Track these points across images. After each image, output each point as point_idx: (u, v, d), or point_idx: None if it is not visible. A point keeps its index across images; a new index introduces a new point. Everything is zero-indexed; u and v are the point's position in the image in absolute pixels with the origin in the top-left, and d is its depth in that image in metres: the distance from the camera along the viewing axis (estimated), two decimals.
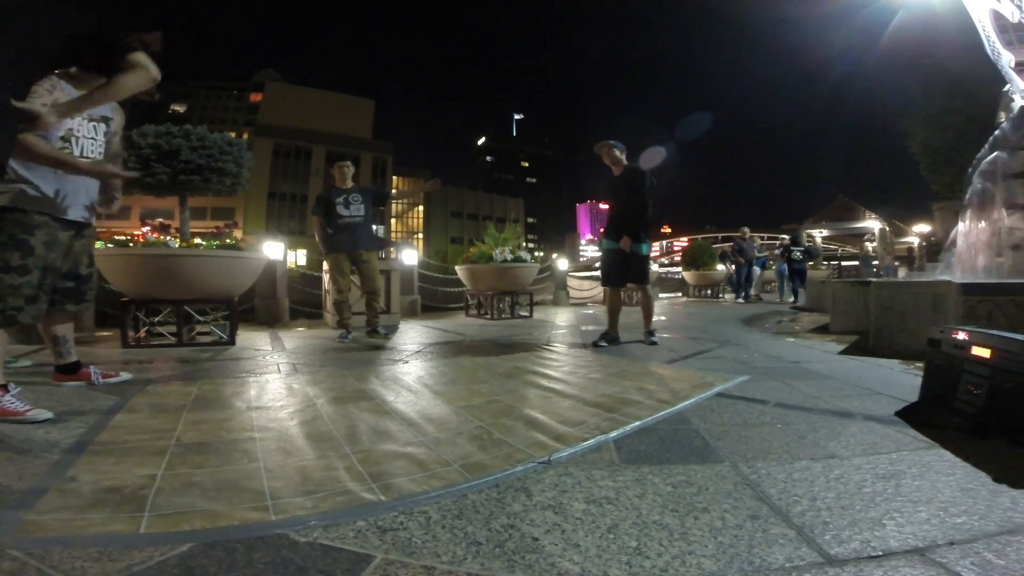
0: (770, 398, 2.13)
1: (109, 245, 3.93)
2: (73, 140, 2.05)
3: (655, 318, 4.33)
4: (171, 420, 1.76)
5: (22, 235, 1.89)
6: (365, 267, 4.35)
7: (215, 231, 4.15)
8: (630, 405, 1.99)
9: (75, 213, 2.07)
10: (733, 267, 10.80)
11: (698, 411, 1.94)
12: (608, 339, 3.83)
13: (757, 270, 10.81)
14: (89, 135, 2.11)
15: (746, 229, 10.80)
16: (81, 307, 2.21)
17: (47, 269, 1.97)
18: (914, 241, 26.76)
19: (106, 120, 2.19)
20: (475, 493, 1.21)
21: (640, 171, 3.84)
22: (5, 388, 1.79)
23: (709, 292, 11.65)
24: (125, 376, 2.39)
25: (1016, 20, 5.75)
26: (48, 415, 1.75)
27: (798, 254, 9.97)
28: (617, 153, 3.91)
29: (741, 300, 9.86)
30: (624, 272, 3.93)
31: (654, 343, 3.75)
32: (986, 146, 5.85)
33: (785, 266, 10.78)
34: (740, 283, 10.15)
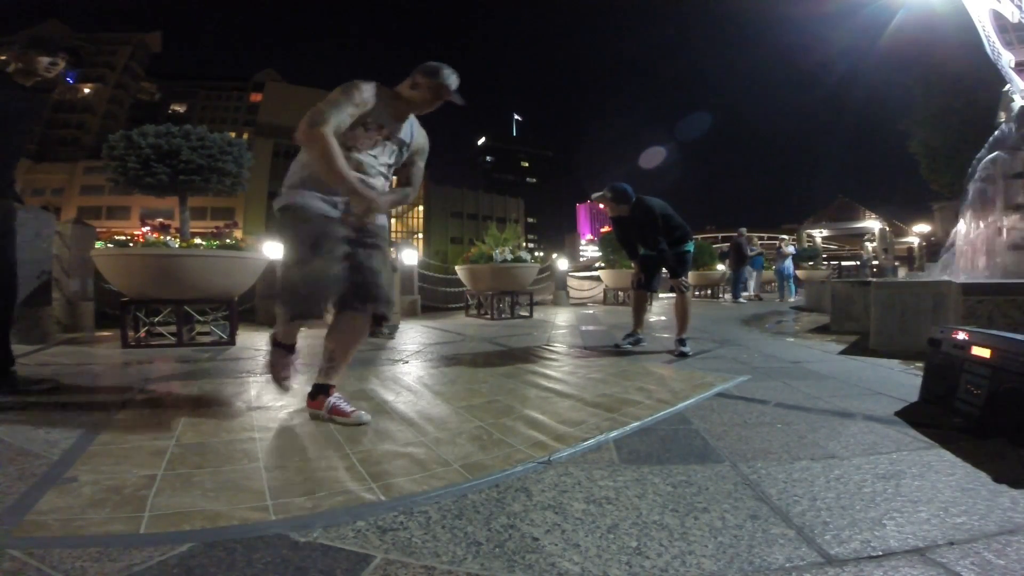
0: (770, 398, 2.13)
1: (109, 245, 3.94)
2: None
3: (654, 319, 4.17)
4: (171, 420, 1.76)
5: None
6: None
7: (215, 231, 4.15)
8: (630, 405, 2.00)
9: None
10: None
11: (698, 411, 1.94)
12: (633, 339, 3.71)
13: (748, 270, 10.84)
14: None
15: (743, 229, 10.78)
16: None
17: None
18: (914, 241, 26.75)
19: None
20: (475, 493, 1.21)
21: (646, 207, 3.51)
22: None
23: (709, 292, 11.64)
24: None
25: (1016, 20, 5.76)
26: (369, 418, 1.75)
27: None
28: (615, 203, 3.59)
29: (743, 300, 9.83)
30: (652, 273, 3.77)
31: (684, 354, 3.35)
32: (986, 146, 5.85)
33: (785, 266, 10.88)
34: (736, 283, 10.13)
